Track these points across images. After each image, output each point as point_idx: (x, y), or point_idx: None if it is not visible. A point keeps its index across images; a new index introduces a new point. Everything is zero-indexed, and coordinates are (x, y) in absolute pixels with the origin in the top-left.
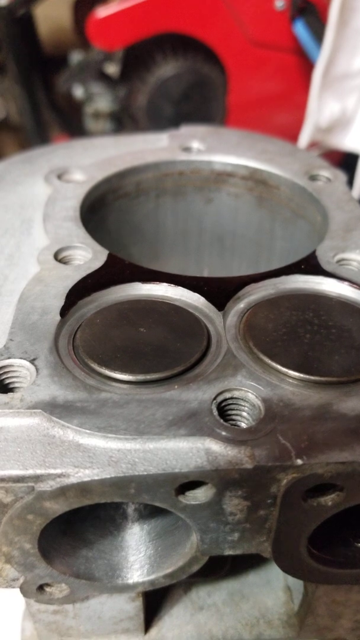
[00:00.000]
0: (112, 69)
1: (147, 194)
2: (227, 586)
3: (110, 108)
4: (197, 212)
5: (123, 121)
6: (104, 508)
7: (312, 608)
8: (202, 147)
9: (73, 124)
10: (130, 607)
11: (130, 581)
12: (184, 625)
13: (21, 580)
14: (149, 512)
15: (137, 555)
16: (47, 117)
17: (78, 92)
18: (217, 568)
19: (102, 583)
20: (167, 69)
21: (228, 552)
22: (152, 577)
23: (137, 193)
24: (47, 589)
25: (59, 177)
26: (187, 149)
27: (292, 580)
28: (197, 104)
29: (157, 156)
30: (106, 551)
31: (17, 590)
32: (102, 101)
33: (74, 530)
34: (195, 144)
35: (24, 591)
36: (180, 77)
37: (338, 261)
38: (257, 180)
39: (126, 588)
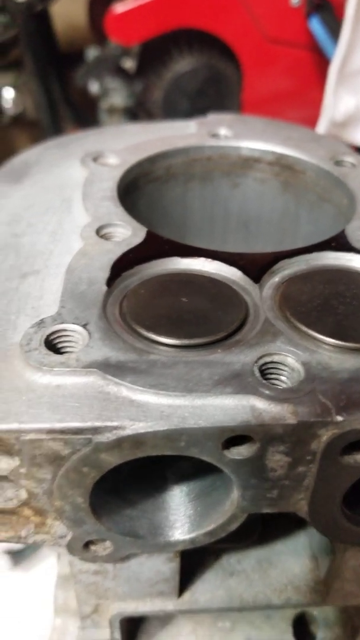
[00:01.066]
0: (128, 64)
1: (177, 178)
2: (255, 554)
3: (125, 103)
4: (224, 197)
5: (138, 116)
6: (144, 470)
7: (339, 573)
8: (229, 133)
9: (87, 119)
10: (167, 568)
11: (172, 539)
12: (215, 590)
13: (68, 538)
14: (187, 475)
15: (177, 514)
16: (62, 113)
17: (94, 87)
18: (246, 536)
19: (144, 541)
20: (183, 64)
21: (266, 509)
22: (193, 535)
23: (167, 177)
24: (92, 547)
25: (94, 160)
26: (215, 135)
27: (318, 549)
28: (212, 99)
29: (186, 142)
30: (148, 511)
31: (48, 562)
32: (117, 96)
33: (117, 490)
34: (223, 131)
35: (71, 548)
36: (196, 73)
37: None
38: (283, 166)
39: (167, 546)
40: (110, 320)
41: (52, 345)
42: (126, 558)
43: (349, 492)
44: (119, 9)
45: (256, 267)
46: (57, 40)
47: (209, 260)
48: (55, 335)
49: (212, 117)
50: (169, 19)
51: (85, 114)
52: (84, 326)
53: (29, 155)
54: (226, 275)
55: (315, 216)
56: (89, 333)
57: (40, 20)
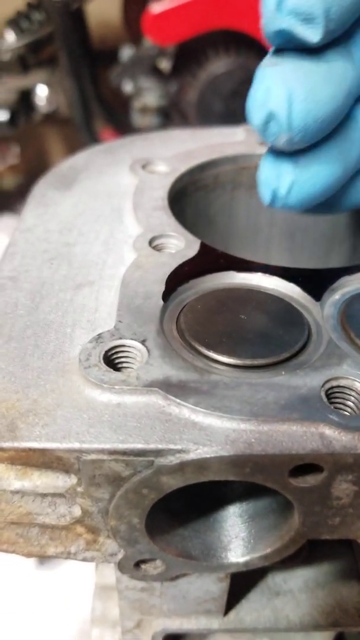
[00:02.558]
0: (164, 64)
1: (224, 186)
2: (302, 574)
3: (158, 103)
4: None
5: (171, 116)
6: (198, 490)
7: None
8: None
9: (119, 117)
10: (216, 588)
11: (225, 561)
12: (261, 609)
13: (119, 556)
14: (242, 495)
15: (231, 536)
16: (95, 111)
17: (128, 86)
18: (294, 556)
19: (197, 562)
20: (219, 65)
21: (326, 536)
22: (247, 558)
23: (215, 186)
24: (143, 566)
25: (143, 167)
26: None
27: None
28: (246, 101)
29: (235, 149)
30: (201, 531)
31: (86, 572)
32: (151, 96)
33: (170, 509)
34: None
35: (122, 567)
36: (232, 74)
37: None
38: None
39: (220, 568)
40: (167, 337)
41: (111, 361)
42: (176, 577)
43: None
44: (156, 9)
45: (316, 283)
46: (90, 38)
47: (266, 275)
48: (113, 351)
49: None
50: (206, 20)
51: (117, 113)
52: (143, 342)
53: (76, 160)
54: (285, 292)
55: None
56: (148, 350)
57: (76, 18)
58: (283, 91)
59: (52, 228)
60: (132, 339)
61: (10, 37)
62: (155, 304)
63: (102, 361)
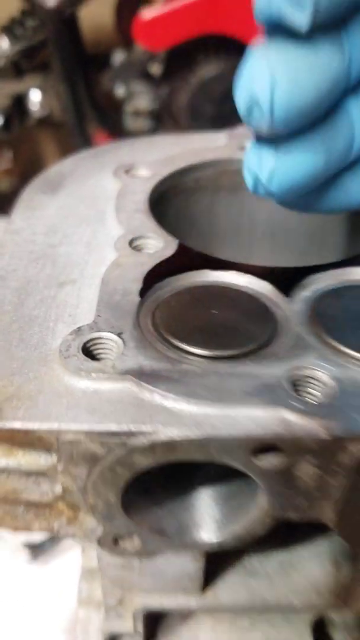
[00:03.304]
0: (155, 68)
1: (205, 190)
2: (277, 556)
3: (150, 107)
4: (251, 208)
5: (163, 119)
6: (172, 472)
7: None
8: None
9: (112, 121)
10: (192, 566)
11: (199, 540)
12: (238, 590)
13: (98, 532)
14: (214, 478)
15: (203, 516)
16: (88, 114)
17: (120, 91)
18: (269, 538)
19: (171, 539)
20: (209, 69)
21: (293, 517)
22: (219, 537)
23: (196, 189)
24: (121, 542)
25: (127, 172)
26: (243, 148)
27: (340, 554)
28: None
29: (216, 154)
30: (175, 511)
31: (66, 556)
32: (143, 100)
33: (147, 490)
34: None
35: (101, 543)
36: (222, 78)
37: None
38: None
39: (194, 547)
40: (143, 330)
41: (89, 352)
42: (153, 554)
43: None
44: (147, 15)
45: (287, 280)
46: (83, 42)
47: (240, 273)
48: (92, 343)
49: (242, 129)
50: (195, 25)
51: (110, 116)
52: (119, 335)
53: (63, 166)
54: (257, 289)
55: (342, 228)
56: (124, 341)
57: (69, 25)
58: (267, 76)
59: (39, 230)
60: (109, 331)
61: (5, 43)
62: (133, 300)
63: (80, 352)
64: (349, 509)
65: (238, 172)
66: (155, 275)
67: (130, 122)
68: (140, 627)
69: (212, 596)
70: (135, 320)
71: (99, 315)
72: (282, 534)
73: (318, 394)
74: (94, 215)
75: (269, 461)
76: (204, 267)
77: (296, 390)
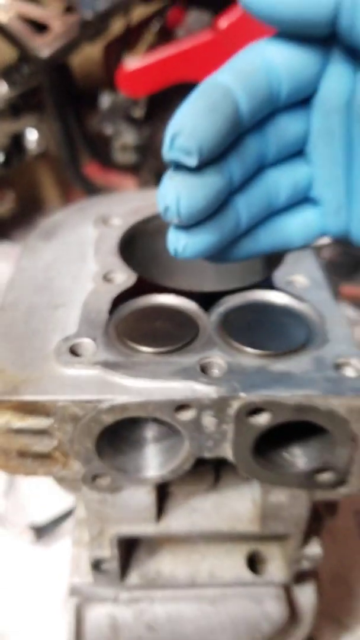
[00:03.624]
0: (138, 112)
1: (164, 233)
2: (212, 498)
3: (136, 142)
4: None
5: (147, 154)
6: (130, 432)
7: (265, 509)
8: None
9: (102, 154)
10: (148, 498)
11: (148, 475)
12: (183, 521)
13: (82, 472)
14: (157, 434)
15: (151, 459)
16: (80, 148)
17: (108, 130)
18: (206, 483)
19: (130, 475)
20: None
21: (207, 454)
22: (162, 472)
23: (156, 233)
24: (98, 480)
25: (104, 222)
26: None
27: (257, 495)
28: None
29: None
30: (133, 457)
31: (67, 539)
32: (128, 137)
33: (113, 443)
34: None
35: (84, 480)
36: None
37: (287, 282)
38: None
39: (146, 481)
40: (110, 336)
41: (74, 351)
42: (119, 489)
43: (262, 444)
44: (129, 66)
45: (208, 301)
46: (75, 83)
47: (176, 296)
48: (75, 345)
49: None
50: (172, 75)
51: (101, 150)
52: (94, 340)
53: (56, 217)
54: (186, 307)
55: (264, 261)
56: (96, 344)
57: (61, 71)
58: (173, 194)
59: (39, 268)
60: (87, 337)
61: (3, 88)
62: (103, 317)
63: (68, 352)
64: (239, 447)
65: None
66: (120, 299)
67: (119, 156)
68: (116, 551)
69: (165, 525)
70: (105, 330)
71: (80, 328)
72: (215, 482)
73: (216, 371)
74: (79, 257)
75: (185, 415)
76: (152, 292)
77: (202, 370)
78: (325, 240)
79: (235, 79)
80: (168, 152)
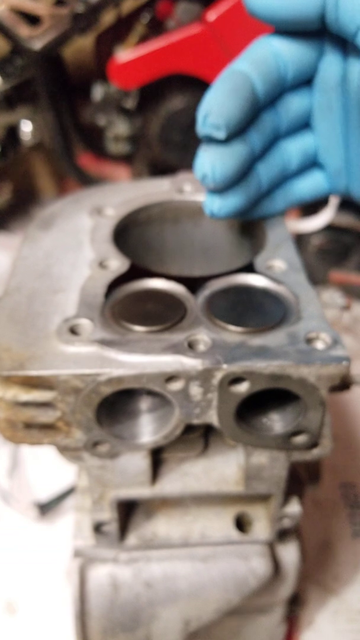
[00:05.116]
0: (129, 103)
1: (154, 222)
2: (202, 463)
3: (128, 133)
4: (189, 234)
5: (139, 143)
6: (126, 404)
7: (248, 470)
8: (192, 189)
9: (96, 144)
10: (143, 463)
11: (142, 441)
12: (176, 484)
13: (84, 440)
14: (151, 407)
15: (145, 427)
16: (74, 139)
17: (101, 121)
18: (195, 449)
19: (127, 442)
20: (175, 103)
21: (195, 421)
22: (156, 438)
23: (148, 222)
24: (98, 447)
25: (98, 212)
26: (181, 191)
27: (242, 461)
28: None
29: (161, 197)
30: (129, 425)
31: (69, 517)
32: (121, 128)
33: (111, 413)
34: (188, 187)
35: (85, 447)
36: (187, 110)
37: (267, 267)
38: None
39: (141, 446)
40: (106, 317)
41: (73, 331)
42: (117, 455)
43: (244, 410)
44: (120, 59)
45: (195, 284)
46: (68, 75)
47: (166, 280)
48: (75, 325)
49: (181, 176)
50: (163, 67)
51: (94, 140)
52: (91, 320)
53: (53, 208)
54: (176, 290)
55: (247, 248)
56: (94, 324)
57: (54, 63)
58: (209, 164)
59: (39, 256)
60: (85, 318)
61: None
62: (100, 300)
63: (68, 331)
64: (222, 413)
65: (178, 209)
66: (114, 284)
67: (112, 146)
68: (115, 514)
69: (159, 488)
70: (101, 311)
71: (79, 310)
72: (204, 450)
73: (201, 346)
74: (76, 245)
75: (175, 386)
76: (144, 277)
77: (189, 346)
78: (319, 225)
79: (250, 66)
80: (202, 129)
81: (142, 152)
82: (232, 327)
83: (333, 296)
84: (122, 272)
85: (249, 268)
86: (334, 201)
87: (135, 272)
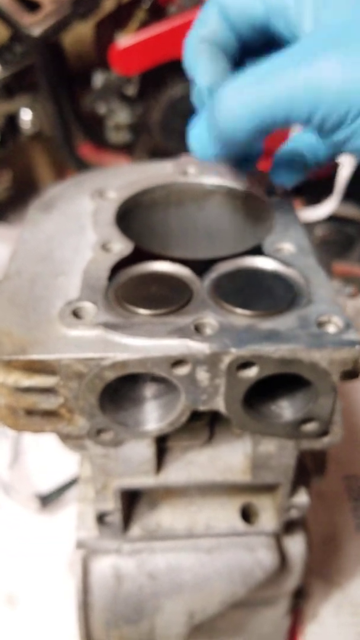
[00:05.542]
0: (130, 90)
1: (158, 205)
2: (206, 451)
3: (129, 121)
4: (193, 217)
5: (140, 132)
6: (130, 390)
7: (255, 459)
8: (195, 171)
9: (96, 133)
10: (147, 451)
11: (147, 428)
12: (180, 473)
13: (87, 427)
14: (156, 394)
15: (150, 414)
16: (74, 128)
17: (101, 109)
18: (200, 437)
19: (131, 429)
20: (176, 90)
21: (201, 407)
22: (161, 425)
23: (151, 205)
24: (101, 434)
25: (100, 195)
26: (184, 173)
27: (249, 450)
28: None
29: (164, 179)
30: (133, 412)
31: (71, 508)
32: (122, 116)
33: (115, 400)
34: (191, 169)
35: (89, 435)
36: (188, 97)
37: (276, 250)
38: (233, 195)
39: (146, 434)
40: (109, 300)
41: (76, 314)
42: (121, 442)
43: (252, 397)
44: (121, 44)
45: (201, 267)
46: (68, 63)
47: (171, 263)
48: (78, 309)
49: (184, 159)
50: (164, 53)
51: (94, 130)
52: (94, 303)
53: (54, 191)
54: (182, 273)
55: (254, 230)
56: (97, 307)
57: (53, 49)
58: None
59: (41, 239)
60: (88, 301)
61: None
62: (103, 283)
63: (71, 315)
64: (230, 399)
65: (181, 192)
66: (118, 267)
67: (112, 135)
68: (119, 504)
69: (164, 477)
70: (104, 294)
71: (82, 293)
72: (210, 438)
73: (208, 330)
74: (78, 228)
75: (181, 371)
76: (148, 260)
77: (196, 330)
78: (323, 214)
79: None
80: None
81: (142, 140)
82: (240, 311)
83: (338, 285)
84: (126, 255)
85: (256, 251)
86: (338, 190)
87: (139, 255)
